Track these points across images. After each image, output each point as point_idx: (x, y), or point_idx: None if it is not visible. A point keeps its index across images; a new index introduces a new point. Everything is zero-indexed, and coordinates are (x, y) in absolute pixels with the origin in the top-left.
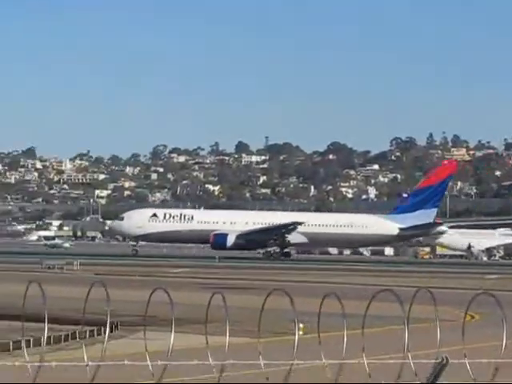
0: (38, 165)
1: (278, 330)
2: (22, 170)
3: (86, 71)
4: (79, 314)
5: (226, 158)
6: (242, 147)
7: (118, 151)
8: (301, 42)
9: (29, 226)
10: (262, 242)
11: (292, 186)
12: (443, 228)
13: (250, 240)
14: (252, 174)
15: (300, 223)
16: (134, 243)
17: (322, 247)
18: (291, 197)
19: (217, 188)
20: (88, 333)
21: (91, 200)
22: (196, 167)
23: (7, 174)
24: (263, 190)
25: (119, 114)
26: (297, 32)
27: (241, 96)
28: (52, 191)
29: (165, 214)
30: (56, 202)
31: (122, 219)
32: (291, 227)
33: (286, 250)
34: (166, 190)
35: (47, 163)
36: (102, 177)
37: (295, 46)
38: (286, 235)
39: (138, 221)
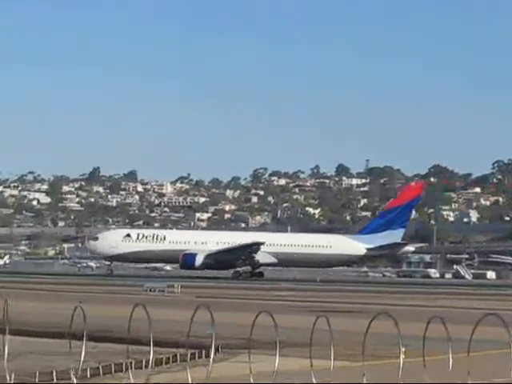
0: (140, 188)
1: (380, 353)
2: (124, 193)
3: (186, 95)
4: (180, 337)
5: (327, 180)
6: (342, 170)
7: (218, 174)
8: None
9: None
10: (230, 262)
11: None
12: (410, 248)
13: (218, 260)
14: (352, 197)
15: (261, 243)
16: (109, 263)
17: (291, 267)
18: None
19: (317, 211)
20: (189, 355)
21: (192, 223)
22: (296, 190)
23: (109, 197)
24: (364, 213)
25: (220, 137)
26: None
27: (340, 119)
28: (153, 214)
29: (138, 235)
30: (157, 224)
31: (97, 239)
32: (255, 247)
33: (258, 270)
34: (266, 213)
35: (148, 186)
36: (202, 200)
37: (396, 70)
38: (254, 255)
39: (112, 241)
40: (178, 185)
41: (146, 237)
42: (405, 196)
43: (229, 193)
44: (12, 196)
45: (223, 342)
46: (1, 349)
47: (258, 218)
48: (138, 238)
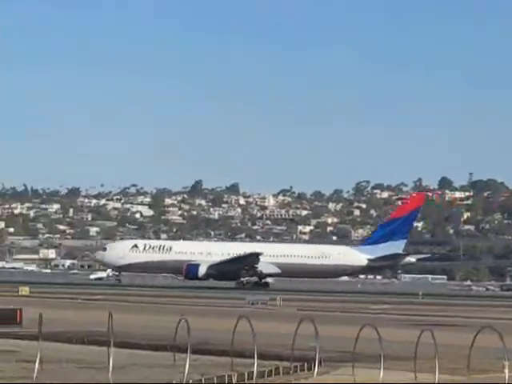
0: (242, 201)
1: (485, 367)
2: (226, 205)
3: (285, 108)
4: (283, 350)
5: (430, 193)
6: (445, 183)
7: (320, 187)
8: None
9: None
10: (233, 272)
11: (496, 222)
12: (411, 259)
13: (221, 270)
14: (456, 210)
15: (259, 254)
16: (117, 273)
17: (293, 277)
18: (495, 233)
19: (420, 224)
20: (292, 368)
21: (294, 236)
22: (399, 203)
23: (211, 209)
24: (467, 227)
25: (322, 149)
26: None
27: (444, 132)
28: (255, 227)
29: (145, 245)
30: (259, 237)
31: (105, 250)
32: (253, 257)
33: (264, 281)
34: (369, 226)
35: (250, 199)
36: (304, 213)
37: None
38: (256, 265)
39: (120, 251)
40: (281, 197)
41: (153, 247)
42: (406, 207)
43: (331, 206)
44: (115, 209)
45: (325, 355)
46: (106, 361)
47: (360, 231)
48: (144, 248)
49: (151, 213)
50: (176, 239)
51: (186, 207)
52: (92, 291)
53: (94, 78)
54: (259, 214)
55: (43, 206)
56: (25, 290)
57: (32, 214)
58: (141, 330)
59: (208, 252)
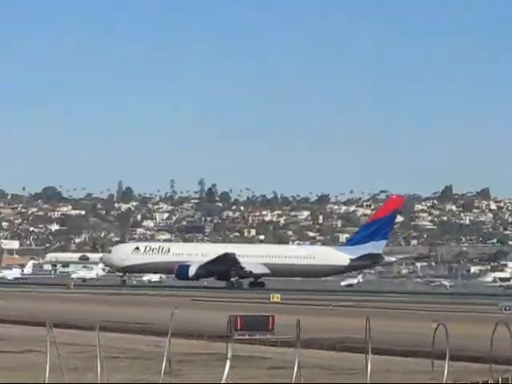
0: (493, 206)
1: None
2: (477, 211)
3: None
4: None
5: None
6: None
7: None
8: None
9: (483, 268)
10: (222, 273)
11: None
12: (391, 259)
13: (210, 270)
14: None
15: (232, 254)
16: (122, 274)
17: (280, 277)
18: None
19: None
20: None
21: None
22: None
23: (461, 215)
24: None
25: None
26: None
27: None
28: (507, 232)
29: (145, 247)
30: (511, 243)
31: (110, 252)
32: (229, 258)
33: (259, 280)
34: None
35: (501, 204)
36: None
37: None
38: (242, 266)
39: (123, 253)
40: None
41: (153, 249)
42: (387, 208)
43: None
44: (365, 215)
45: None
46: (357, 367)
47: None
48: (145, 250)
49: (401, 219)
50: (426, 245)
51: (437, 213)
52: (342, 297)
53: None
54: (511, 219)
55: (293, 213)
56: (276, 297)
57: (282, 221)
58: (396, 336)
59: (202, 253)
